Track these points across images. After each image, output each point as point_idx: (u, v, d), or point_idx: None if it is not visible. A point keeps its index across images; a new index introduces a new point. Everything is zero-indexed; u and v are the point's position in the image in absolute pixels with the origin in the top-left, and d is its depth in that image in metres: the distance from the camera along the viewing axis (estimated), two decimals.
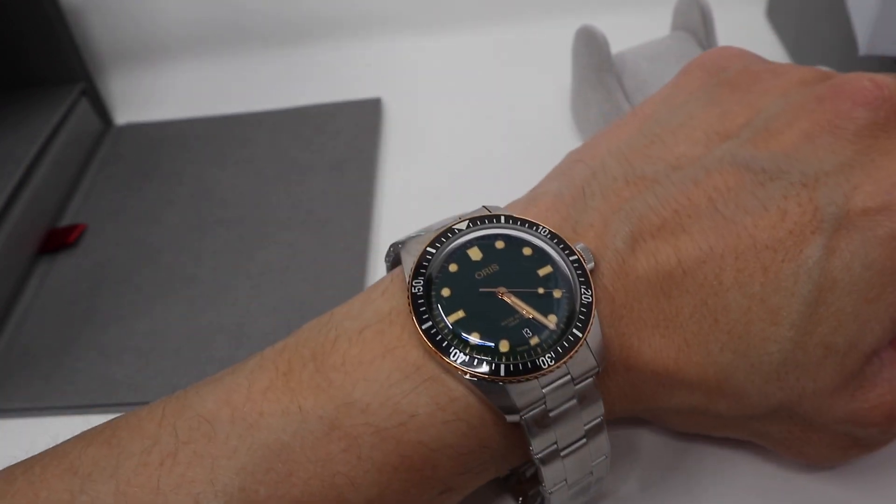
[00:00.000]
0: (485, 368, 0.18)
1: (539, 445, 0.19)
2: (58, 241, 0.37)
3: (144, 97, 0.48)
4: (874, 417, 0.20)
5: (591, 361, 0.19)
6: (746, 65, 0.25)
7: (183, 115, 0.45)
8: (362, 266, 0.34)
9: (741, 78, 0.24)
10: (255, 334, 0.32)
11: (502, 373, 0.18)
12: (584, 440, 0.20)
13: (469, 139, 0.41)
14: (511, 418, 0.19)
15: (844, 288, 0.20)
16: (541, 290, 0.20)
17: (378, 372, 0.19)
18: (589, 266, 0.20)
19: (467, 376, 0.18)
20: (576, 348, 0.19)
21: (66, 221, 0.39)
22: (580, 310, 0.20)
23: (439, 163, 0.40)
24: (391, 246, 0.22)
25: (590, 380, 0.19)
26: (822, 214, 0.20)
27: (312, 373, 0.19)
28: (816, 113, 0.22)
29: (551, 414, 0.19)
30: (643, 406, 0.22)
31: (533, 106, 0.43)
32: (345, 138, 0.41)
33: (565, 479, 0.20)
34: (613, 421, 0.24)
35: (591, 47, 0.36)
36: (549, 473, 0.20)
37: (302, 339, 0.20)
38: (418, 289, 0.20)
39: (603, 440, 0.20)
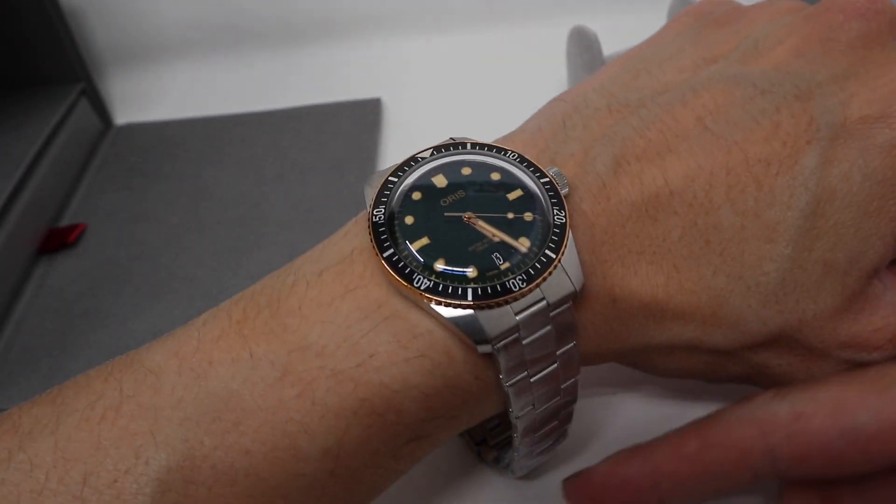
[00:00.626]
0: (450, 293, 0.17)
1: (510, 377, 0.18)
2: (58, 240, 0.37)
3: (144, 97, 0.48)
4: (877, 340, 0.19)
5: (568, 284, 0.18)
6: (735, 6, 0.24)
7: (183, 115, 0.45)
8: None
9: (729, 14, 0.24)
10: None
11: (469, 297, 0.17)
12: (556, 364, 0.19)
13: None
14: (483, 349, 0.17)
15: (844, 199, 0.19)
16: (510, 215, 0.19)
17: (336, 314, 0.18)
18: (563, 192, 0.19)
19: (432, 304, 0.17)
20: (549, 269, 0.18)
21: (65, 221, 0.39)
22: (553, 230, 0.18)
23: None
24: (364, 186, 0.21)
25: (567, 305, 0.18)
26: (818, 124, 0.19)
27: (267, 318, 0.18)
28: (807, 27, 0.21)
29: (524, 342, 0.18)
30: (631, 343, 0.20)
31: (532, 106, 0.42)
32: (344, 138, 0.41)
33: (533, 404, 0.19)
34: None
35: (582, 47, 0.36)
36: (518, 401, 0.19)
37: (259, 287, 0.19)
38: (379, 217, 0.18)
39: (573, 363, 0.19)
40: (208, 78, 0.49)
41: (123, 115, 0.47)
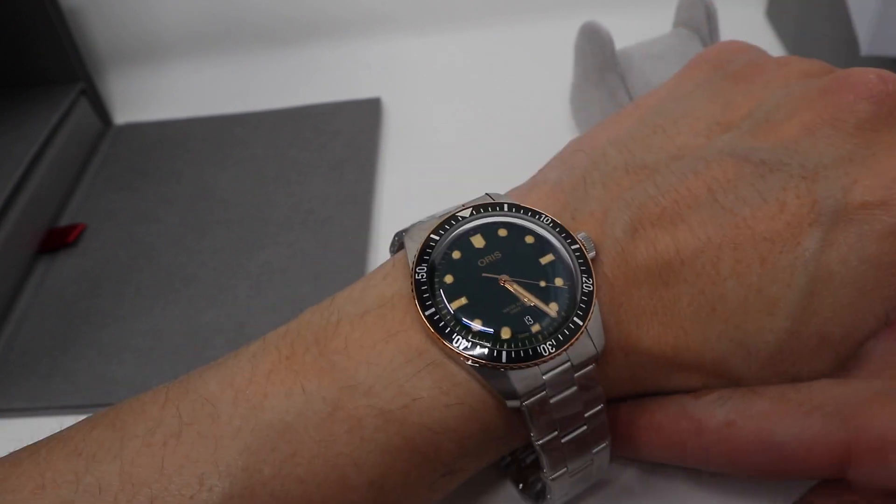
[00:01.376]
0: (486, 355, 0.19)
1: (540, 432, 0.19)
2: (57, 240, 0.37)
3: (144, 97, 0.48)
4: None
5: (591, 348, 0.19)
6: (752, 58, 0.25)
7: (182, 115, 0.45)
8: (362, 266, 0.34)
9: (745, 70, 0.24)
10: (254, 334, 0.31)
11: (504, 359, 0.19)
12: (585, 427, 0.20)
13: (469, 139, 0.41)
14: (511, 403, 0.19)
15: (841, 280, 0.20)
16: (542, 283, 0.20)
17: (381, 356, 0.19)
18: (590, 255, 0.20)
19: (469, 362, 0.19)
20: (577, 336, 0.19)
21: (65, 221, 0.39)
22: (581, 298, 0.20)
23: (439, 162, 0.40)
24: (396, 235, 0.22)
25: (590, 367, 0.19)
26: (821, 207, 0.20)
27: (315, 356, 0.19)
28: (818, 105, 0.22)
29: (552, 401, 0.19)
30: (643, 389, 0.22)
31: (533, 105, 0.43)
32: (344, 138, 0.41)
33: (566, 467, 0.20)
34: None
35: (595, 44, 0.35)
36: (550, 460, 0.20)
37: (304, 323, 0.21)
38: (421, 275, 0.20)
39: (603, 427, 0.20)
40: (208, 78, 0.49)
41: (123, 114, 0.47)
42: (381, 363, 0.19)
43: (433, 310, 0.19)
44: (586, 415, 0.20)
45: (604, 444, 0.21)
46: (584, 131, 0.39)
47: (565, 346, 0.19)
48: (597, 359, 0.19)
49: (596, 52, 0.35)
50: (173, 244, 0.36)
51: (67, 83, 0.43)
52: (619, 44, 0.36)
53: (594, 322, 0.20)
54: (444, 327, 0.19)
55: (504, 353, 0.19)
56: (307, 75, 0.48)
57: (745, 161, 0.21)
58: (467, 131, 0.42)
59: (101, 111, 0.45)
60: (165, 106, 0.47)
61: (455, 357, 0.19)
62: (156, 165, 0.42)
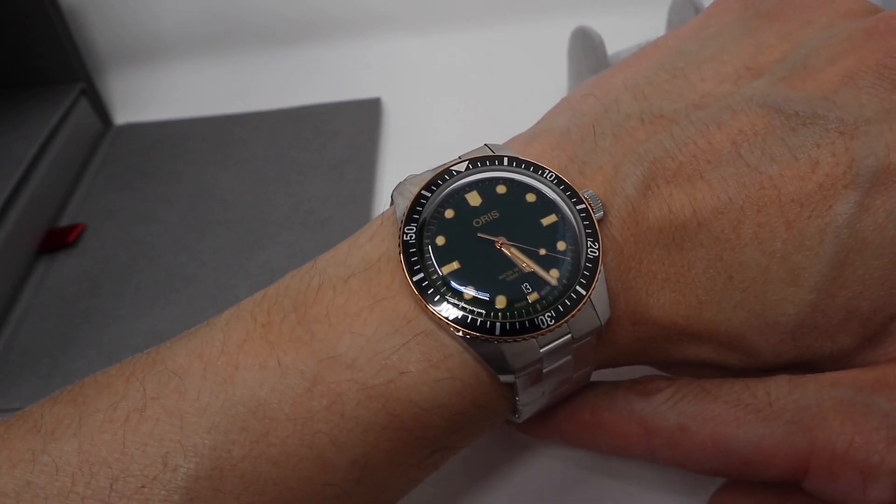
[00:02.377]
0: (479, 325, 0.17)
1: (527, 398, 0.18)
2: (57, 240, 0.37)
3: (144, 97, 0.48)
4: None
5: (595, 321, 0.18)
6: None
7: (182, 115, 0.45)
8: None
9: (781, 7, 0.21)
10: None
11: (497, 331, 0.17)
12: (570, 385, 0.19)
13: (469, 139, 0.41)
14: (505, 378, 0.18)
15: (875, 251, 0.18)
16: (542, 250, 0.18)
17: (365, 325, 0.18)
18: (598, 215, 0.19)
19: (459, 333, 0.17)
20: (578, 307, 0.18)
21: (65, 221, 0.39)
22: (585, 265, 0.18)
23: (439, 162, 0.40)
24: (394, 190, 0.20)
25: (591, 337, 0.18)
26: (858, 167, 0.18)
27: (293, 324, 0.18)
28: (863, 50, 0.19)
29: (545, 370, 0.18)
30: (647, 359, 0.21)
31: (532, 105, 0.42)
32: (344, 138, 0.41)
33: (543, 391, 0.20)
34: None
35: (587, 48, 0.36)
36: (525, 399, 0.19)
37: (282, 289, 0.19)
38: (410, 236, 0.18)
39: (587, 378, 0.20)
40: (208, 78, 0.49)
41: (123, 115, 0.46)
42: (366, 333, 0.17)
43: (422, 274, 0.18)
44: (574, 375, 0.19)
45: (584, 370, 0.20)
46: None
47: (566, 318, 0.17)
48: (600, 331, 0.18)
49: (589, 55, 0.35)
50: (173, 244, 0.36)
51: (67, 83, 0.43)
52: (613, 47, 0.36)
53: (599, 291, 0.18)
54: (433, 294, 0.17)
55: (498, 325, 0.17)
56: (307, 75, 0.48)
57: (776, 112, 0.19)
58: (467, 131, 0.42)
59: (101, 111, 0.45)
60: (165, 106, 0.47)
61: (445, 327, 0.17)
62: (156, 165, 0.42)
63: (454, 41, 0.49)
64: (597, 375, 0.21)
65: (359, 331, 0.18)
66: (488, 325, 0.17)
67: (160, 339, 0.32)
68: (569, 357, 0.18)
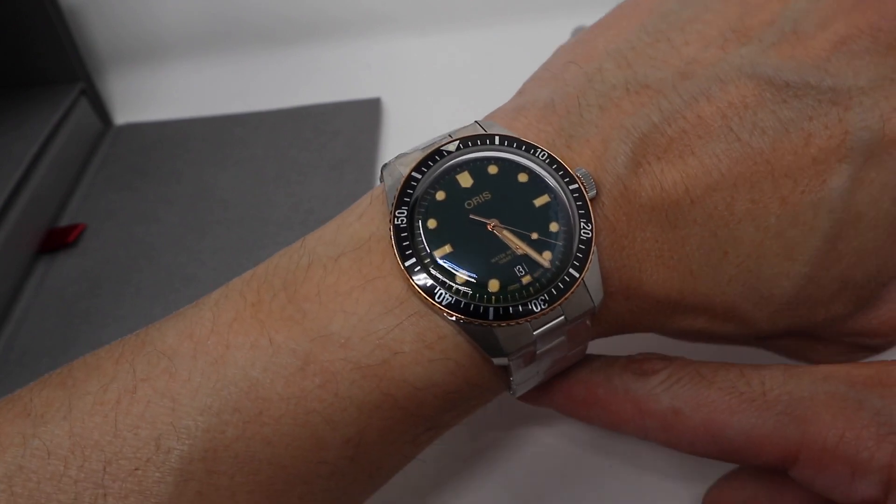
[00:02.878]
0: (472, 310, 0.17)
1: (521, 377, 0.19)
2: (57, 240, 0.37)
3: (144, 97, 0.48)
4: (882, 330, 0.20)
5: (588, 302, 0.18)
6: None
7: (182, 115, 0.45)
8: None
9: None
10: None
11: (490, 316, 0.17)
12: (564, 362, 0.20)
13: None
14: (499, 361, 0.18)
15: (869, 223, 0.18)
16: (534, 235, 0.18)
17: (357, 304, 0.17)
18: (590, 194, 0.18)
19: (453, 318, 0.17)
20: (571, 290, 0.17)
21: (65, 221, 0.39)
22: (578, 247, 0.18)
23: None
24: (383, 168, 0.20)
25: (584, 319, 0.18)
26: (853, 140, 0.17)
27: (284, 303, 0.18)
28: (854, 12, 0.19)
29: (539, 351, 0.18)
30: (642, 328, 0.21)
31: None
32: (344, 138, 0.41)
33: (537, 370, 0.20)
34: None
35: None
36: (522, 383, 0.19)
37: (272, 267, 0.19)
38: (401, 220, 0.18)
39: (582, 354, 0.20)
40: (208, 78, 0.49)
41: (123, 115, 0.46)
42: (358, 312, 0.17)
43: (414, 259, 0.17)
44: (569, 353, 0.19)
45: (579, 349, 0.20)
46: None
47: (559, 301, 0.17)
48: (594, 312, 0.18)
49: None
50: (173, 244, 0.36)
51: (67, 83, 0.43)
52: None
53: (592, 273, 0.18)
54: (425, 279, 0.17)
55: (491, 310, 0.17)
56: (307, 75, 0.48)
57: (766, 83, 0.18)
58: None
59: (101, 111, 0.45)
60: (165, 106, 0.47)
61: (438, 311, 0.17)
62: (156, 165, 0.42)
63: (454, 41, 0.49)
64: (593, 345, 0.21)
65: (351, 310, 0.17)
66: (481, 310, 0.17)
67: None
68: (562, 338, 0.18)
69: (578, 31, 0.37)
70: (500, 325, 0.17)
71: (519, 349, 0.17)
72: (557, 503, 0.24)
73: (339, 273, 0.18)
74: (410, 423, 0.18)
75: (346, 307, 0.17)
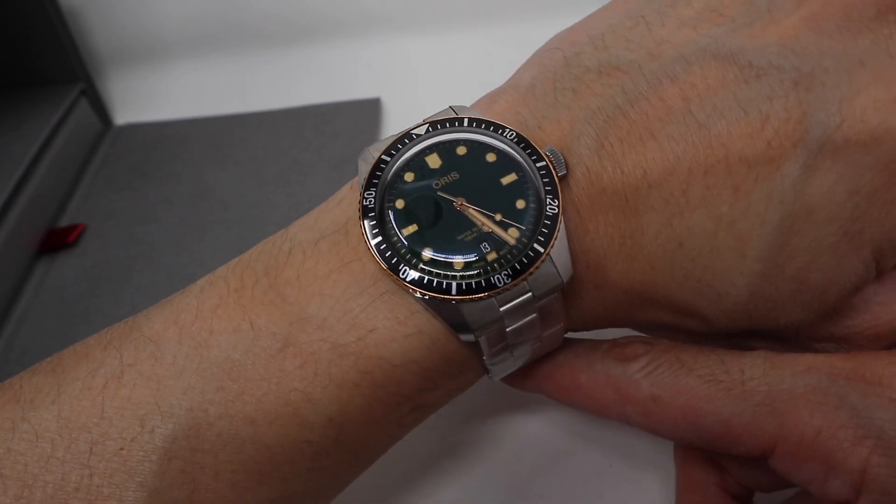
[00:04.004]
0: (435, 287, 0.17)
1: (493, 356, 0.19)
2: (57, 240, 0.37)
3: (144, 97, 0.48)
4: (857, 340, 0.19)
5: (555, 277, 0.18)
6: None
7: (182, 115, 0.45)
8: None
9: None
10: None
11: (454, 291, 0.17)
12: (539, 343, 0.19)
13: None
14: (465, 337, 0.18)
15: (823, 216, 0.17)
16: (499, 216, 0.18)
17: (334, 286, 0.18)
18: (560, 173, 0.18)
19: (418, 294, 0.17)
20: (536, 264, 0.17)
21: (65, 221, 0.39)
22: (543, 222, 0.18)
23: None
24: (359, 156, 0.21)
25: (553, 296, 0.18)
26: (810, 122, 0.16)
27: (265, 288, 0.18)
28: None
29: (509, 329, 0.18)
30: (619, 321, 0.20)
31: None
32: (344, 138, 0.41)
33: (511, 353, 0.20)
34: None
35: None
36: (493, 360, 0.19)
37: (255, 254, 0.19)
38: (370, 201, 0.18)
39: (558, 339, 0.20)
40: (208, 78, 0.49)
41: (123, 115, 0.46)
42: (335, 294, 0.18)
43: (380, 238, 0.18)
44: (544, 335, 0.19)
45: (556, 347, 0.20)
46: None
47: (523, 276, 0.17)
48: (562, 288, 0.18)
49: None
50: (173, 244, 0.36)
51: (67, 83, 0.43)
52: None
53: (559, 248, 0.18)
54: (391, 257, 0.18)
55: (454, 285, 0.17)
56: (307, 75, 0.48)
57: (730, 63, 0.18)
58: None
59: (101, 111, 0.45)
60: (165, 106, 0.47)
61: (405, 288, 0.18)
62: (156, 165, 0.42)
63: (454, 41, 0.49)
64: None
65: (328, 292, 0.18)
66: (444, 286, 0.17)
67: None
68: (533, 315, 0.18)
69: None
70: (464, 301, 0.17)
71: (485, 325, 0.18)
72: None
73: (318, 257, 0.18)
74: (392, 402, 0.18)
75: (324, 290, 0.18)
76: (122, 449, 0.16)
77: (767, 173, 0.17)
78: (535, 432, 0.26)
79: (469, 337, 0.18)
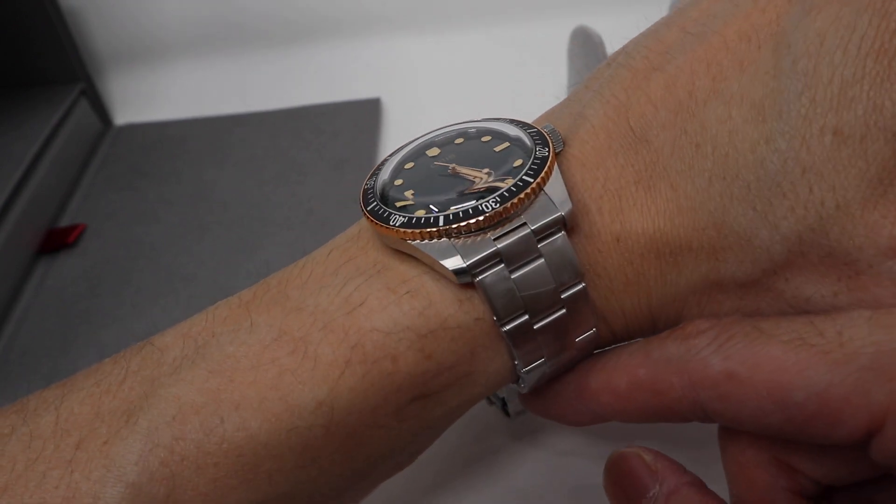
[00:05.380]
0: (422, 221, 0.17)
1: (504, 310, 0.17)
2: (57, 241, 0.37)
3: (144, 97, 0.48)
4: None
5: (553, 209, 0.17)
6: None
7: (182, 115, 0.45)
8: None
9: None
10: None
11: (441, 223, 0.17)
12: (563, 310, 0.17)
13: None
14: (462, 279, 0.17)
15: (837, 45, 0.15)
16: (491, 171, 0.18)
17: (335, 278, 0.18)
18: (558, 149, 0.18)
19: (408, 239, 0.17)
20: (525, 192, 0.17)
21: (65, 221, 0.39)
22: (533, 162, 0.18)
23: None
24: None
25: (559, 235, 0.17)
26: None
27: (274, 295, 0.18)
28: None
29: (514, 276, 0.17)
30: (656, 297, 0.18)
31: (531, 105, 0.42)
32: (344, 138, 0.41)
33: (542, 357, 0.18)
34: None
35: (587, 48, 0.36)
36: (521, 351, 0.18)
37: (273, 274, 0.20)
38: (370, 185, 0.19)
39: (586, 311, 0.18)
40: (208, 78, 0.49)
41: (123, 115, 0.47)
42: (335, 283, 0.18)
43: (375, 203, 0.18)
44: (563, 296, 0.17)
45: (589, 333, 0.18)
46: None
47: (512, 202, 0.17)
48: (563, 222, 0.17)
49: (589, 54, 0.36)
50: (173, 244, 0.36)
51: (67, 83, 0.43)
52: (613, 47, 0.36)
53: (554, 182, 0.17)
54: (382, 212, 0.18)
55: (441, 217, 0.17)
56: (307, 75, 0.48)
57: None
58: None
59: (101, 111, 0.45)
60: (165, 106, 0.47)
61: (396, 239, 0.17)
62: (156, 165, 0.42)
63: (454, 41, 0.49)
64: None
65: (328, 283, 0.18)
66: (432, 220, 0.17)
67: None
68: (541, 262, 0.17)
69: (578, 32, 0.37)
70: (452, 232, 0.17)
71: (478, 260, 0.17)
72: None
73: (328, 263, 0.19)
74: (387, 383, 0.17)
75: (325, 282, 0.18)
76: (105, 442, 0.16)
77: (768, 35, 0.16)
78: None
79: (466, 278, 0.17)
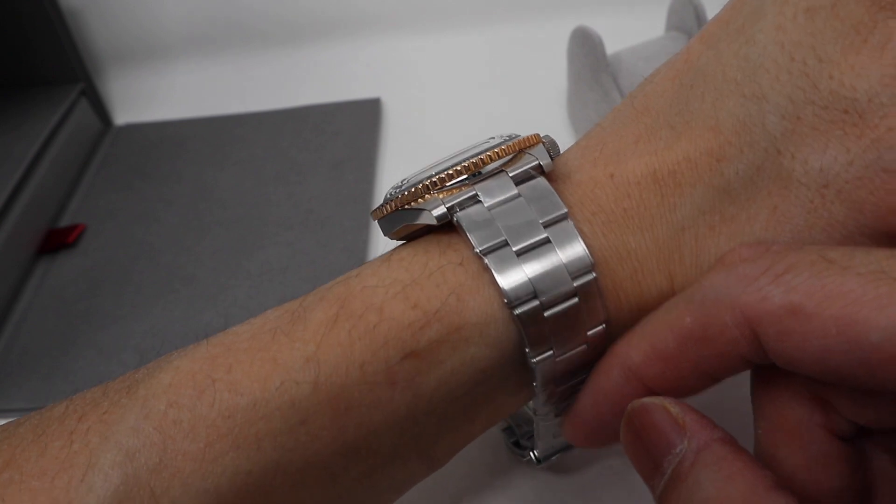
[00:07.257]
0: (410, 183, 0.18)
1: (484, 239, 0.17)
2: (57, 241, 0.37)
3: (144, 97, 0.48)
4: None
5: (532, 160, 0.18)
6: None
7: (182, 116, 0.45)
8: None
9: None
10: None
11: (427, 181, 0.18)
12: (576, 299, 0.17)
13: (468, 139, 0.41)
14: (438, 213, 0.17)
15: None
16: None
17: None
18: (548, 168, 0.18)
19: (399, 207, 0.18)
20: (502, 146, 0.18)
21: (65, 221, 0.39)
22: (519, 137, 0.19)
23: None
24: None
25: (538, 178, 0.18)
26: None
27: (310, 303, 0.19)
28: None
29: (494, 210, 0.17)
30: (664, 232, 0.17)
31: (531, 105, 0.43)
32: (344, 138, 0.41)
33: (551, 348, 0.17)
34: None
35: (586, 48, 0.36)
36: (531, 335, 0.17)
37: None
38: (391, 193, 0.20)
39: (595, 300, 0.17)
40: (208, 78, 0.49)
41: (123, 115, 0.47)
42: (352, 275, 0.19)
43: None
44: (565, 261, 0.17)
45: (599, 327, 0.17)
46: (579, 132, 0.39)
47: (487, 153, 0.18)
48: (539, 168, 0.18)
49: (588, 54, 0.36)
50: (173, 244, 0.36)
51: (67, 83, 0.43)
52: (612, 47, 0.36)
53: (539, 148, 0.18)
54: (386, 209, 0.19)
55: (428, 181, 0.18)
56: (307, 75, 0.48)
57: None
58: (466, 131, 0.42)
59: (101, 111, 0.45)
60: (165, 106, 0.47)
61: (387, 211, 0.18)
62: (156, 166, 0.42)
63: (454, 41, 0.49)
64: None
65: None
66: (420, 185, 0.18)
67: (160, 338, 0.32)
68: (520, 200, 0.17)
69: (578, 32, 0.37)
70: (436, 185, 0.18)
71: (460, 203, 0.17)
72: None
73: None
74: (376, 338, 0.17)
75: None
76: (105, 412, 0.17)
77: None
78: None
79: (440, 210, 0.17)
